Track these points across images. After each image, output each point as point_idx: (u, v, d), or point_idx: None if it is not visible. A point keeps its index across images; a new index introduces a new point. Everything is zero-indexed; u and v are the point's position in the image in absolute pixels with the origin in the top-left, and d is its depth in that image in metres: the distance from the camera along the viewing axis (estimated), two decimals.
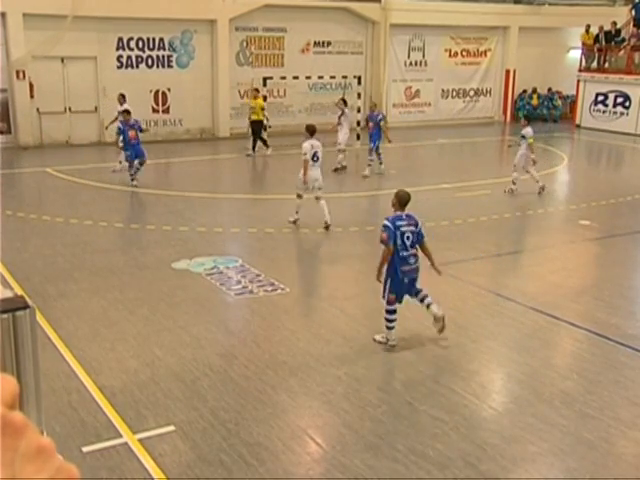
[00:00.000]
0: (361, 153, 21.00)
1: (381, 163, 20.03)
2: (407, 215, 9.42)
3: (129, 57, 24.64)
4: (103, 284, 11.55)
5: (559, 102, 32.39)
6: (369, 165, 19.87)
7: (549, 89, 32.21)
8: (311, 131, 14.95)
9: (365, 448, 7.24)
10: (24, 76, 22.60)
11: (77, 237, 14.03)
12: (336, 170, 20.03)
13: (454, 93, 31.16)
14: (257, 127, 22.78)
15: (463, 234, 14.66)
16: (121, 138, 18.47)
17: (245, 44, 26.41)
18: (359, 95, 25.53)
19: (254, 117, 22.85)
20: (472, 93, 31.58)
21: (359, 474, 6.80)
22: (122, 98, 20.51)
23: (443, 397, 8.27)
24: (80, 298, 10.88)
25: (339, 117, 20.93)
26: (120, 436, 7.27)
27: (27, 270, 11.84)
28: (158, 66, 25.14)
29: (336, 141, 20.50)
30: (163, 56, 25.20)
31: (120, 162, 19.13)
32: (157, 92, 24.81)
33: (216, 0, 25.01)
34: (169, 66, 25.32)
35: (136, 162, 18.04)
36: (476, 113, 31.22)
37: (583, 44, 30.80)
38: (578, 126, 30.63)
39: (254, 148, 22.69)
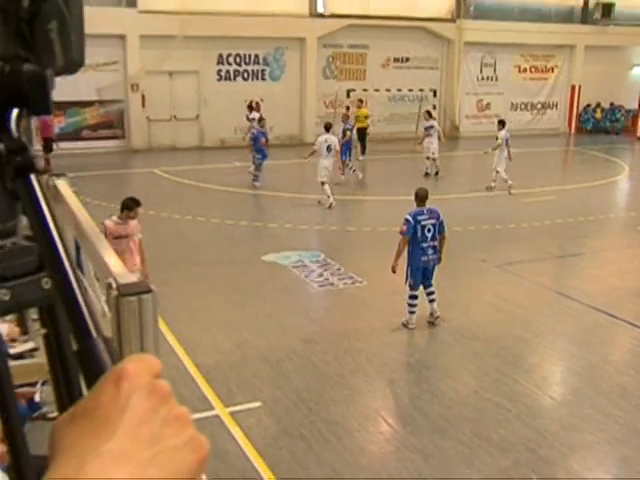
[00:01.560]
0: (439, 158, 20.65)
1: (354, 170, 19.26)
2: (428, 209, 9.54)
3: (227, 71, 25.00)
4: (201, 273, 11.75)
5: (621, 116, 31.54)
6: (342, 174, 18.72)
7: (611, 103, 31.39)
8: (327, 128, 17.01)
9: (433, 430, 7.19)
10: (137, 89, 23.21)
11: (179, 230, 14.31)
12: (426, 175, 19.85)
13: (522, 106, 30.60)
14: (362, 134, 22.91)
15: (528, 237, 14.40)
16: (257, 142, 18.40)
17: (331, 59, 26.48)
18: (434, 106, 25.44)
19: (359, 125, 22.95)
20: (539, 106, 30.96)
21: (427, 453, 6.77)
22: (257, 105, 20.59)
23: (507, 387, 8.15)
24: (180, 285, 11.09)
25: (426, 128, 20.56)
26: (213, 409, 7.41)
27: None
28: (253, 79, 25.44)
29: (423, 150, 20.37)
30: (257, 70, 25.49)
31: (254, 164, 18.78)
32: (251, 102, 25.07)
33: (306, 20, 25.16)
34: (262, 79, 25.58)
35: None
36: (543, 125, 30.59)
37: None
38: (639, 138, 29.74)
39: (363, 152, 22.78)
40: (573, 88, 30.99)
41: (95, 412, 0.61)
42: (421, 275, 9.59)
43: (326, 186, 16.21)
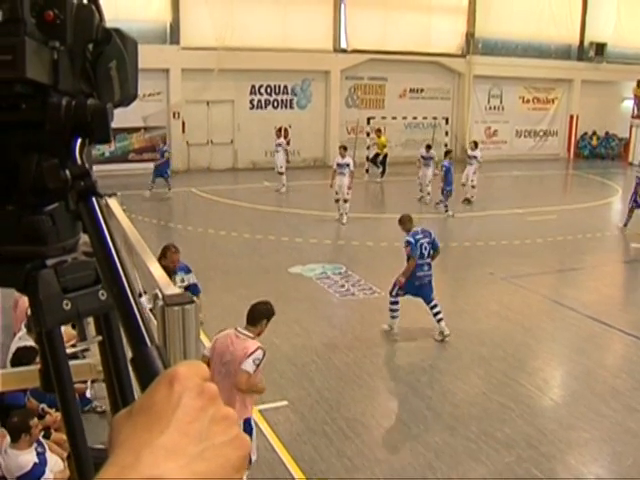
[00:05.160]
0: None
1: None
2: (422, 230, 9.55)
3: (259, 100, 25.13)
4: (232, 282, 11.76)
5: (614, 143, 31.48)
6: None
7: (606, 132, 31.36)
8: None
9: (444, 428, 7.14)
10: (178, 116, 23.41)
11: (213, 244, 14.35)
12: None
13: (526, 133, 30.50)
14: (381, 159, 22.87)
15: (532, 252, 14.29)
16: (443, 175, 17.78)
17: (353, 90, 26.56)
18: (446, 133, 25.42)
19: (378, 151, 22.96)
20: (541, 133, 30.86)
21: (438, 449, 6.72)
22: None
23: (511, 388, 8.09)
24: (214, 293, 11.07)
25: (425, 158, 19.71)
26: None
27: None
28: (282, 107, 25.54)
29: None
30: (286, 99, 25.59)
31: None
32: (280, 128, 25.11)
33: (330, 55, 25.30)
34: (290, 107, 25.68)
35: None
36: (545, 150, 30.48)
37: (635, 95, 29.89)
38: (631, 164, 29.41)
39: (382, 175, 22.72)
40: (571, 118, 30.94)
41: (150, 410, 0.61)
42: (415, 289, 9.43)
43: (339, 203, 16.32)
